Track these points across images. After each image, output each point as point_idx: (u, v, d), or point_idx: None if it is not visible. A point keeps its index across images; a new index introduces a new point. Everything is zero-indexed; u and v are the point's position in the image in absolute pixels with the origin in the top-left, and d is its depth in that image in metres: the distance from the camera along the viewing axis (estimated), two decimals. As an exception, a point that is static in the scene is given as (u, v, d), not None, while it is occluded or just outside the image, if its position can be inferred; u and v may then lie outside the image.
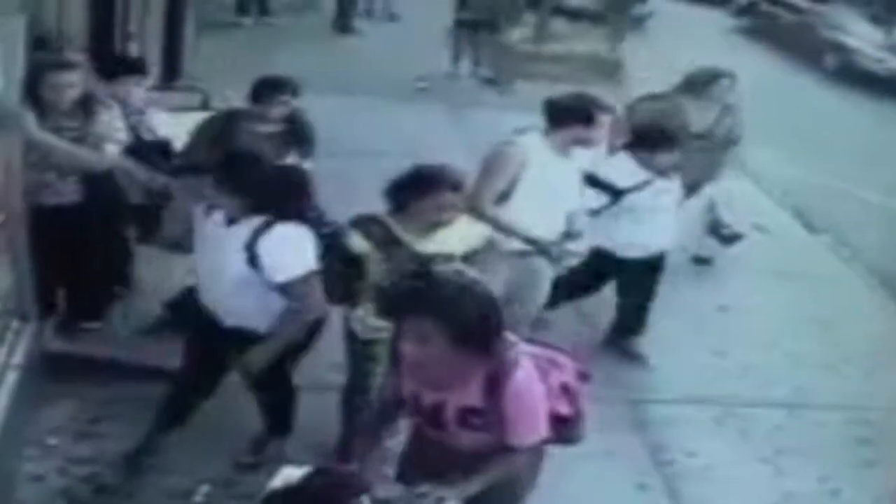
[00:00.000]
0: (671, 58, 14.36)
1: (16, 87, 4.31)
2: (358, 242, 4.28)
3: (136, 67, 5.88)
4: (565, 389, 3.47)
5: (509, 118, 6.65)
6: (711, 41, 18.31)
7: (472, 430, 3.25)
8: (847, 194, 10.00)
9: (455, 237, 4.35)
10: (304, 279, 4.11)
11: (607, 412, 5.38)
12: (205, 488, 4.45)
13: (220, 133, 5.26)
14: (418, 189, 4.23)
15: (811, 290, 7.80)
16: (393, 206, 4.35)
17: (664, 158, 5.89)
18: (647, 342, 6.25)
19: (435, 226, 4.29)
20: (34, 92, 4.68)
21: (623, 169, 5.92)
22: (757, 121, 7.66)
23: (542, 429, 3.31)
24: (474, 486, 3.24)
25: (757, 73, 11.13)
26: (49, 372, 4.84)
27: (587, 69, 13.90)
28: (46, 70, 4.79)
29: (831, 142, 11.81)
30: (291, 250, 4.11)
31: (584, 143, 5.37)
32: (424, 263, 4.11)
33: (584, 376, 3.61)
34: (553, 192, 5.23)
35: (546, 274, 5.62)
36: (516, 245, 5.29)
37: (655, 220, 5.94)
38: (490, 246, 4.45)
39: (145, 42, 8.33)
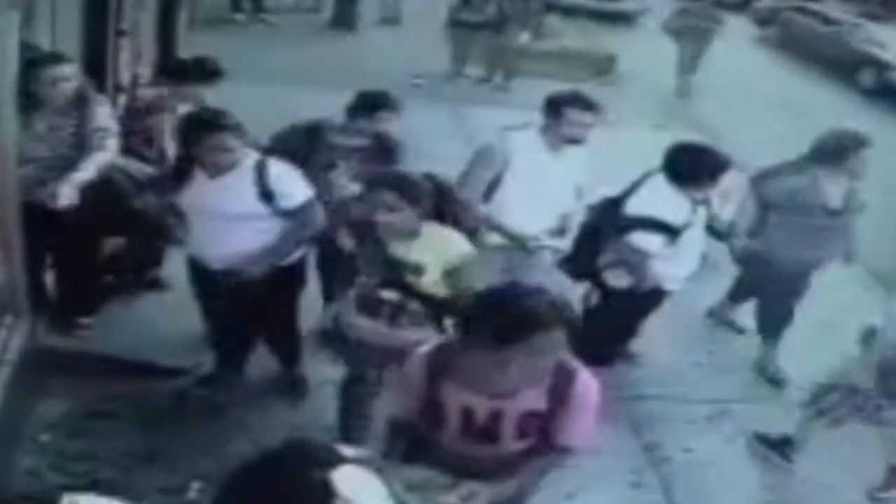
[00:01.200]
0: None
1: (9, 82, 4.29)
2: (344, 239, 4.29)
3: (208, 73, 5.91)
4: None
5: (509, 115, 6.63)
6: (731, 51, 17.72)
7: (525, 438, 3.24)
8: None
9: (427, 248, 4.16)
10: (313, 201, 4.67)
11: (601, 409, 5.39)
12: (197, 484, 4.44)
13: (301, 144, 5.22)
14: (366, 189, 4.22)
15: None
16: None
17: (710, 191, 5.40)
18: (641, 340, 6.24)
19: (404, 232, 4.16)
20: (27, 90, 4.64)
21: (672, 203, 5.25)
22: (765, 120, 7.57)
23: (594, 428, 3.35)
24: (513, 485, 3.27)
25: (772, 82, 11.06)
26: (42, 368, 4.83)
27: (581, 66, 13.93)
28: (40, 64, 4.77)
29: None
30: (295, 178, 4.67)
31: (568, 139, 5.32)
32: (394, 269, 4.14)
33: None
34: (541, 188, 5.21)
35: (542, 271, 5.62)
36: (497, 239, 5.31)
37: (696, 247, 5.51)
38: (472, 262, 4.28)
39: (139, 38, 8.30)
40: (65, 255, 5.28)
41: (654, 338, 6.23)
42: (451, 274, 4.15)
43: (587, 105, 5.34)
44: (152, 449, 4.71)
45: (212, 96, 7.37)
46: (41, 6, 5.58)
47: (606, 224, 5.40)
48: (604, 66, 14.36)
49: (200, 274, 4.83)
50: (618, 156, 7.31)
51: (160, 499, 4.42)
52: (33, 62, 4.75)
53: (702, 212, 5.45)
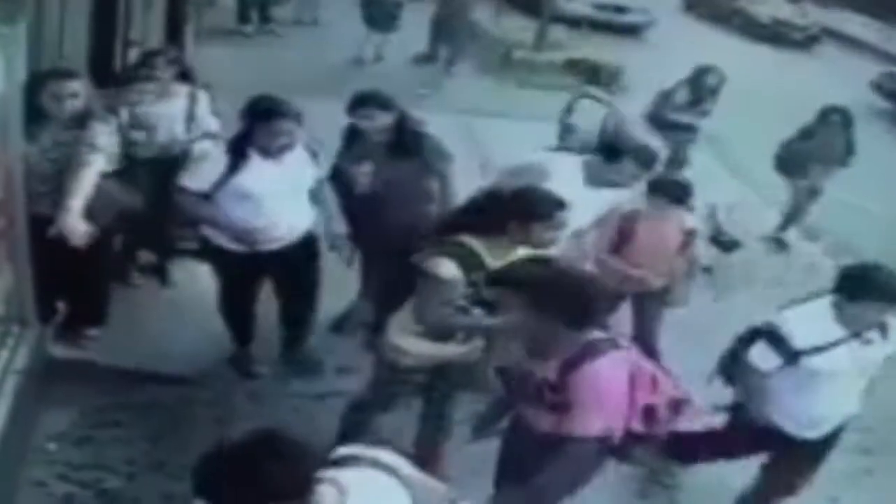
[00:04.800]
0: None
1: (16, 93, 4.31)
2: (449, 268, 3.98)
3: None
4: (648, 411, 3.61)
5: (513, 127, 6.65)
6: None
7: (545, 410, 3.52)
8: (847, 203, 9.97)
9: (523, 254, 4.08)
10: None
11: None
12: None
13: (350, 137, 5.66)
14: (527, 211, 4.04)
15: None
16: (480, 225, 4.10)
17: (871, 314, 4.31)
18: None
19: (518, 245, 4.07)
20: (35, 103, 4.63)
21: (809, 322, 4.38)
22: (765, 127, 7.53)
23: (603, 424, 3.44)
24: None
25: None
26: (50, 378, 4.85)
27: (587, 78, 13.91)
28: (48, 79, 4.77)
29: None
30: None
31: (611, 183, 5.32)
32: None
33: (677, 406, 3.76)
34: None
35: None
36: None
37: (838, 389, 4.52)
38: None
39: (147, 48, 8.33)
40: (70, 267, 5.28)
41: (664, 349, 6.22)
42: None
43: (646, 161, 5.29)
44: (158, 458, 4.73)
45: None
46: (49, 16, 5.60)
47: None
48: (610, 78, 14.33)
49: (226, 253, 5.08)
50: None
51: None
52: (42, 76, 4.76)
53: (867, 352, 4.46)
